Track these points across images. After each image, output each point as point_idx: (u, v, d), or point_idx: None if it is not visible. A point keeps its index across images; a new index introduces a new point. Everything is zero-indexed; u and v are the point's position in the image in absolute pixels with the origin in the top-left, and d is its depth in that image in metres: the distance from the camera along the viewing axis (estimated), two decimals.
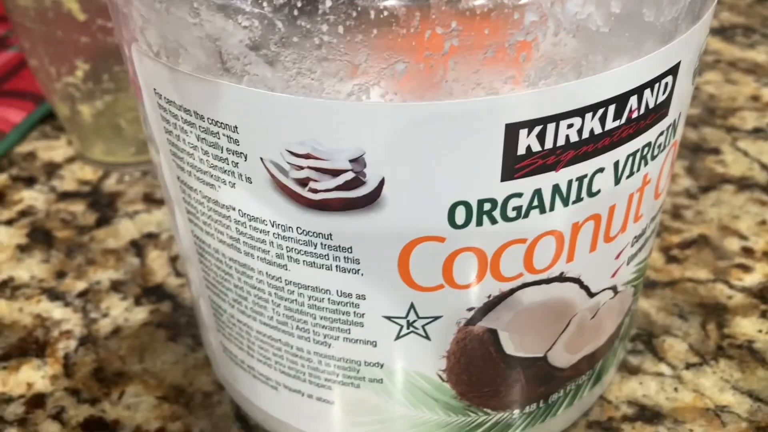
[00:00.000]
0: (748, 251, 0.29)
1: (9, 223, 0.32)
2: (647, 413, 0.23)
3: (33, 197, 0.34)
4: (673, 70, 0.16)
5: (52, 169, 0.36)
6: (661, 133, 0.17)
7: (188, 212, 0.18)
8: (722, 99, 0.38)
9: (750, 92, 0.39)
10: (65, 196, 0.34)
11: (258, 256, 0.17)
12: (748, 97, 0.38)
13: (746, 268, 0.28)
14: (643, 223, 0.19)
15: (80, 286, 0.29)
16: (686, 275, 0.28)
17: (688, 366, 0.25)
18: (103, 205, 0.33)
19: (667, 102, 0.16)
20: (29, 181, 0.35)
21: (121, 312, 0.28)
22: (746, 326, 0.26)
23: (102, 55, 0.31)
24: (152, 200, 0.33)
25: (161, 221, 0.32)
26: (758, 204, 0.31)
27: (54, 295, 0.28)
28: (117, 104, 0.33)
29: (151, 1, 0.15)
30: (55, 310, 0.28)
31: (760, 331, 0.26)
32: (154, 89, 0.17)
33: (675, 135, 0.18)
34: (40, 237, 0.31)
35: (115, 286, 0.29)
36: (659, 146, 0.17)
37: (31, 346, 0.26)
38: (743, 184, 0.32)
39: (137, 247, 0.31)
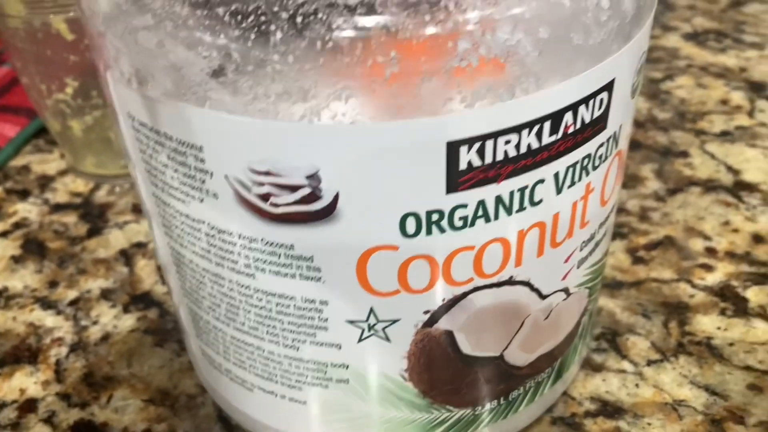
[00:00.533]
0: (711, 251, 0.30)
1: (4, 234, 0.34)
2: (609, 408, 0.24)
3: (27, 209, 0.35)
4: (608, 87, 0.17)
5: (45, 181, 0.37)
6: (601, 145, 0.18)
7: (164, 225, 0.20)
8: (692, 103, 0.40)
9: (719, 96, 0.40)
10: (58, 207, 0.35)
11: (228, 266, 0.18)
12: (718, 101, 0.40)
13: (709, 268, 0.29)
14: (591, 228, 0.20)
15: (71, 294, 0.30)
16: (651, 275, 0.29)
17: (650, 363, 0.26)
18: (94, 216, 0.34)
19: (604, 116, 0.18)
20: (23, 194, 0.36)
21: (110, 319, 0.29)
22: (706, 324, 0.27)
23: (90, 72, 0.33)
24: (141, 211, 0.34)
25: (149, 231, 0.33)
26: (723, 205, 0.32)
27: (46, 304, 0.30)
28: (106, 119, 0.34)
29: (122, 33, 0.16)
30: (48, 319, 0.29)
31: (719, 328, 0.27)
32: (128, 112, 0.18)
33: (618, 145, 0.19)
34: (33, 248, 0.33)
35: (105, 295, 0.30)
36: (600, 157, 0.18)
37: (24, 353, 0.28)
38: (709, 186, 0.34)
39: (126, 256, 0.32)
